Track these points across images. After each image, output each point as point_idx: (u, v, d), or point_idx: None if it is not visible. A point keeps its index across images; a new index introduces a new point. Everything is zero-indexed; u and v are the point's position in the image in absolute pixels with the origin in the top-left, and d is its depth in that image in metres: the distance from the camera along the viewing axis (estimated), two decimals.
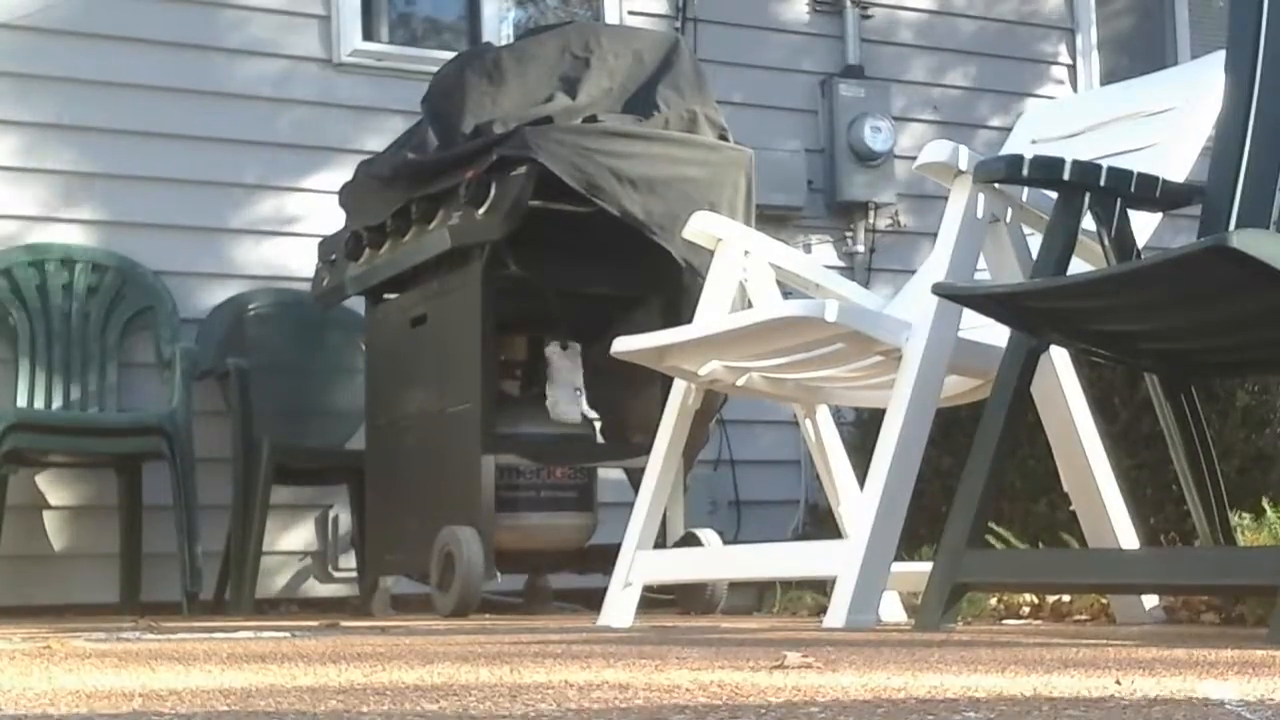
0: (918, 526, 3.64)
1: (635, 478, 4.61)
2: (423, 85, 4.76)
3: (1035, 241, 3.12)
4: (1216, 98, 3.19)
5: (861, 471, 3.44)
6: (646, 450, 3.91)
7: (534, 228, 4.17)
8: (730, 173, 4.39)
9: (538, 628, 3.51)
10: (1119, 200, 3.04)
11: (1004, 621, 3.71)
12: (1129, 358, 3.25)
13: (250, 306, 5.50)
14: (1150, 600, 3.36)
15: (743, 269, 3.84)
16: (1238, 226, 2.98)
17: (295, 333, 5.54)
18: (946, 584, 2.90)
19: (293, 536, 5.46)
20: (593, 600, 4.02)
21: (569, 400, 4.46)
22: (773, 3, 6.55)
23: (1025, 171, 3.03)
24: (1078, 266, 3.08)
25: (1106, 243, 3.03)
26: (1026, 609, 3.79)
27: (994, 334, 3.13)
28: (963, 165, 3.16)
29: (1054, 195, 3.02)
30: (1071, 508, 3.47)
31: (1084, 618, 3.62)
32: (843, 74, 6.52)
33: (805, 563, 3.63)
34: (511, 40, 5.58)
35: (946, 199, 3.24)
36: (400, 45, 5.99)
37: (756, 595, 5.16)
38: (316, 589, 5.48)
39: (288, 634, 3.21)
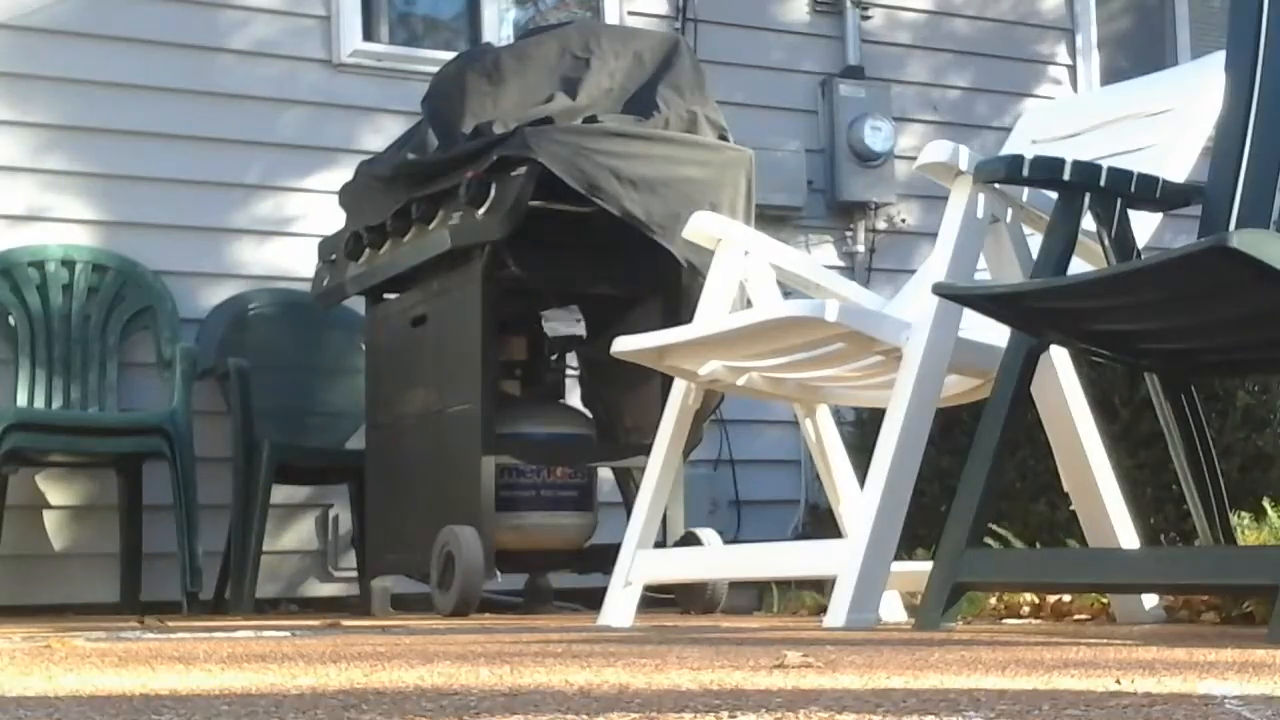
0: (918, 526, 3.64)
1: (623, 478, 4.63)
2: (423, 85, 4.76)
3: (1035, 241, 3.12)
4: (1216, 98, 3.19)
5: (861, 471, 3.43)
6: (643, 450, 3.90)
7: (534, 228, 4.17)
8: (730, 173, 4.39)
9: (538, 628, 3.51)
10: (1119, 200, 3.04)
11: (1004, 621, 3.71)
12: (1129, 358, 3.25)
13: (250, 306, 5.50)
14: (1150, 600, 3.35)
15: (743, 269, 3.84)
16: (1238, 226, 2.98)
17: (295, 333, 5.53)
18: (946, 584, 2.90)
19: (293, 536, 5.46)
20: (593, 600, 4.02)
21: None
22: (773, 3, 6.55)
23: (1025, 172, 3.03)
24: (1078, 266, 3.08)
25: (1106, 243, 3.03)
26: (1026, 609, 3.79)
27: (994, 334, 3.13)
28: (963, 165, 3.16)
29: (1054, 195, 3.02)
30: (1071, 508, 3.46)
31: (1084, 617, 3.62)
32: (843, 74, 6.52)
33: (805, 563, 3.63)
34: (511, 40, 5.58)
35: (946, 199, 3.24)
36: (400, 45, 5.98)
37: (756, 595, 5.15)
38: (316, 589, 5.48)
39: (288, 634, 3.21)
